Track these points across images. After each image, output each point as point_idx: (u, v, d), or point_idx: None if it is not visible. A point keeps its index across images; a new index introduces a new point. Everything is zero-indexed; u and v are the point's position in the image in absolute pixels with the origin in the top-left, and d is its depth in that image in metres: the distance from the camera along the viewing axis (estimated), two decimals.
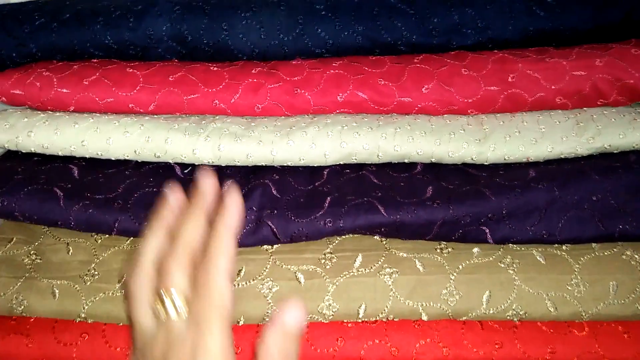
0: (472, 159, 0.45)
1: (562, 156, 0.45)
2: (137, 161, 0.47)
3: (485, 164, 0.45)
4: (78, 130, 0.45)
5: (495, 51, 0.46)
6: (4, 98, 0.47)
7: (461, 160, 0.45)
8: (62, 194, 0.43)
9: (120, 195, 0.43)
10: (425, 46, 0.46)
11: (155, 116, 0.47)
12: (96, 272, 0.44)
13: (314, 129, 0.45)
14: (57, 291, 0.43)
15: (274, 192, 0.44)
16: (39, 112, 0.47)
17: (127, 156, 0.46)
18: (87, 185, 0.44)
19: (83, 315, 0.42)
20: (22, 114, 0.46)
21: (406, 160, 0.45)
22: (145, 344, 0.31)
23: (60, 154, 0.46)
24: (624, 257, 0.43)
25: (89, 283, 0.43)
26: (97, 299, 0.43)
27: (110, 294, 0.43)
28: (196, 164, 0.46)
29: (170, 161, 0.46)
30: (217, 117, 0.47)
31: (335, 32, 0.45)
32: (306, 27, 0.45)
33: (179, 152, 0.44)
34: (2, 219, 0.47)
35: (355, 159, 0.45)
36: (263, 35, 0.45)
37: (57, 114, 0.46)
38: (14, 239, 0.46)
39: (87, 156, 0.46)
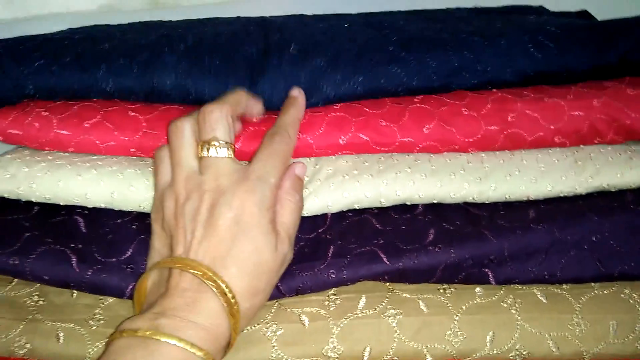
0: (473, 198, 0.45)
1: (562, 195, 0.45)
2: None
3: (487, 202, 0.46)
4: (81, 183, 0.44)
5: (494, 90, 0.47)
6: (0, 137, 0.46)
7: (463, 200, 0.45)
8: (74, 257, 0.42)
9: (131, 259, 0.43)
10: (425, 90, 0.47)
11: None
12: (102, 317, 0.43)
13: (315, 183, 0.45)
14: (61, 334, 0.43)
15: None
16: (38, 157, 0.46)
17: (132, 209, 0.45)
18: (96, 244, 0.44)
19: None
20: (21, 162, 0.45)
21: (408, 203, 0.46)
22: (193, 184, 0.39)
23: (62, 204, 0.45)
24: (622, 295, 0.44)
25: (94, 327, 0.43)
26: (103, 344, 0.42)
27: None
28: None
29: None
30: None
31: (335, 85, 0.46)
32: (310, 85, 0.46)
33: None
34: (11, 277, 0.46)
35: (358, 206, 0.45)
36: (266, 95, 0.45)
37: (58, 162, 0.46)
38: (15, 280, 0.46)
39: (91, 206, 0.46)
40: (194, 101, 0.46)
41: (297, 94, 0.45)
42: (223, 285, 0.36)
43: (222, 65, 0.46)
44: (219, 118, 0.40)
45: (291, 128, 0.43)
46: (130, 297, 0.42)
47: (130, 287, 0.42)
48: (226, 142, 0.39)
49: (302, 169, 0.43)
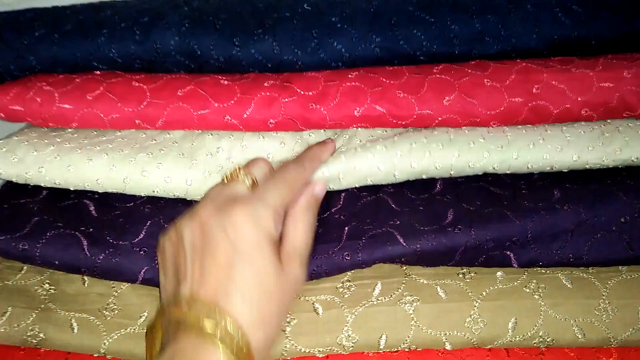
0: (494, 168, 0.43)
1: (587, 166, 0.43)
2: None
3: (508, 172, 0.44)
4: (92, 168, 0.43)
5: (518, 60, 0.44)
6: (1, 114, 0.44)
7: (482, 170, 0.43)
8: (85, 241, 0.41)
9: (144, 241, 0.42)
10: (446, 56, 0.44)
11: (171, 147, 0.45)
12: (116, 307, 0.43)
13: None
14: (75, 325, 0.42)
15: None
16: (46, 140, 0.44)
17: (145, 194, 0.44)
18: (108, 228, 0.42)
19: (102, 351, 0.41)
20: (29, 145, 0.44)
21: (424, 176, 0.43)
22: (213, 193, 0.37)
23: (72, 189, 0.44)
24: None
25: (109, 318, 0.42)
26: (118, 335, 0.42)
27: (132, 331, 0.42)
28: None
29: (189, 198, 0.44)
30: (232, 154, 0.45)
31: (351, 44, 0.43)
32: (321, 41, 0.43)
33: (199, 192, 0.43)
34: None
35: (371, 181, 0.43)
36: (276, 50, 0.43)
37: (67, 145, 0.44)
38: (24, 267, 0.45)
39: (101, 191, 0.44)
40: (200, 63, 0.44)
41: (329, 141, 0.44)
42: (230, 326, 0.33)
43: (228, 20, 0.44)
44: (261, 162, 0.40)
45: (307, 160, 0.41)
46: (143, 283, 0.42)
47: (144, 270, 0.41)
48: (249, 176, 0.39)
49: (322, 188, 0.41)
